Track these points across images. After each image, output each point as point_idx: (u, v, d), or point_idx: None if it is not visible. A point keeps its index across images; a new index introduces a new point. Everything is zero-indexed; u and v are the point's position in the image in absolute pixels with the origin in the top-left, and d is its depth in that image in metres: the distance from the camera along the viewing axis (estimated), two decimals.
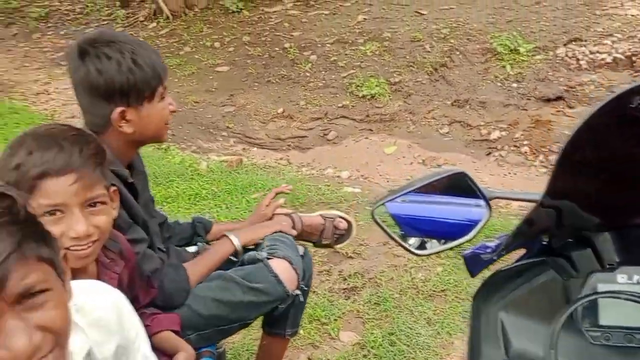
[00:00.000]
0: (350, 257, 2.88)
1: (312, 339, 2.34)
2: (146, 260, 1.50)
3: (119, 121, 1.47)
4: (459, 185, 1.01)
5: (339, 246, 2.11)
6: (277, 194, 2.01)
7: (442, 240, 1.06)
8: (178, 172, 3.70)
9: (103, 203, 1.19)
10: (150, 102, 1.51)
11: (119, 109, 1.46)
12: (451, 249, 0.97)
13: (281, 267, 1.65)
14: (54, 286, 0.82)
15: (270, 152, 4.42)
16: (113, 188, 1.27)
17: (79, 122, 4.23)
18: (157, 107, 1.53)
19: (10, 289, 0.76)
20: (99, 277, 1.24)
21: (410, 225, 1.02)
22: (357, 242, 2.95)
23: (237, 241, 1.74)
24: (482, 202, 1.01)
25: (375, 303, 2.53)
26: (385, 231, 0.94)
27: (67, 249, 1.13)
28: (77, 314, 0.93)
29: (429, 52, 5.19)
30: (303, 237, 1.99)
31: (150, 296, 1.46)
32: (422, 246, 1.07)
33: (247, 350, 2.29)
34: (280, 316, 1.77)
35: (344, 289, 2.66)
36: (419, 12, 5.93)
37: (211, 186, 3.56)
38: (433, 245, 1.07)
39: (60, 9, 8.23)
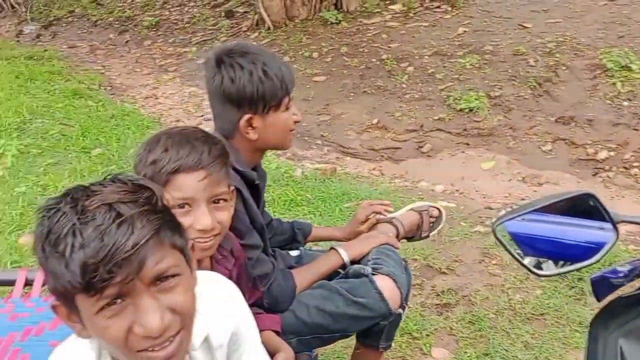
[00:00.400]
0: (444, 273, 2.83)
1: (403, 352, 2.32)
2: (258, 265, 1.56)
3: (246, 127, 1.57)
4: (582, 207, 0.97)
5: (432, 234, 2.10)
6: (372, 213, 2.01)
7: (560, 262, 1.02)
8: (274, 178, 3.79)
9: (225, 200, 1.28)
10: (276, 111, 1.59)
11: (246, 116, 1.55)
12: (575, 270, 0.93)
13: (385, 285, 1.66)
14: (184, 272, 0.89)
15: (364, 162, 4.43)
16: (231, 188, 1.34)
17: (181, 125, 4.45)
18: (282, 116, 1.61)
19: (148, 271, 0.83)
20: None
21: (528, 245, 0.99)
22: (452, 258, 2.90)
23: (346, 256, 1.78)
24: (607, 224, 0.96)
25: (469, 322, 2.46)
26: (506, 249, 0.92)
27: (192, 240, 1.20)
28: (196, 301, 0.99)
29: (532, 66, 5.01)
30: (404, 237, 2.00)
31: (255, 297, 1.51)
32: (537, 266, 1.03)
33: (337, 357, 2.30)
34: (377, 329, 1.77)
35: (437, 304, 2.62)
36: (522, 25, 5.75)
37: (305, 193, 3.63)
38: (549, 267, 1.03)
39: (169, 19, 8.71)
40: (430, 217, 2.05)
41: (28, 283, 2.08)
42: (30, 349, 1.82)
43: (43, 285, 2.08)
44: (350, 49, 6.01)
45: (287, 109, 1.62)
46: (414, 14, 6.46)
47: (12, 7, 10.24)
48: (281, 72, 1.59)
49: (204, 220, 1.23)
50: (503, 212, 1.05)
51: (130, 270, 0.81)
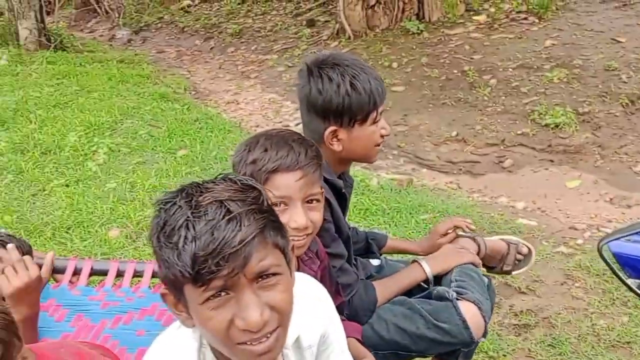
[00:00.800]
0: (523, 292, 2.74)
1: None
2: (342, 274, 1.57)
3: (330, 139, 1.58)
4: None
5: (515, 273, 2.03)
6: (455, 227, 1.97)
7: None
8: None
9: (318, 201, 1.32)
10: (362, 125, 1.59)
11: (331, 128, 1.57)
12: None
13: (470, 312, 1.62)
14: (284, 272, 0.92)
15: (441, 174, 4.37)
16: (322, 189, 1.37)
17: (260, 131, 4.52)
18: (368, 130, 1.61)
19: (251, 267, 0.87)
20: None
21: (632, 266, 0.95)
22: (532, 278, 2.80)
23: (429, 270, 1.75)
24: None
25: (549, 345, 2.37)
26: (612, 270, 0.88)
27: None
28: None
29: (625, 82, 4.78)
30: (483, 262, 1.94)
31: (337, 302, 1.52)
32: None
33: None
34: (456, 351, 1.74)
35: (515, 324, 2.54)
36: (615, 40, 5.49)
37: (381, 203, 3.62)
38: None
39: (252, 27, 8.95)
40: (518, 253, 1.97)
41: (119, 274, 2.19)
42: (119, 337, 1.92)
43: (133, 276, 2.19)
44: (431, 60, 5.96)
45: (374, 122, 1.61)
46: (499, 25, 6.32)
47: (107, 12, 10.84)
48: (370, 86, 1.57)
49: (300, 219, 1.27)
50: (609, 231, 1.01)
51: (235, 265, 0.85)
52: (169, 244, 0.86)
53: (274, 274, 0.90)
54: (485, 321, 1.66)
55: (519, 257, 1.97)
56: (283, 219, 1.24)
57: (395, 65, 6.08)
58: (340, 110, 1.55)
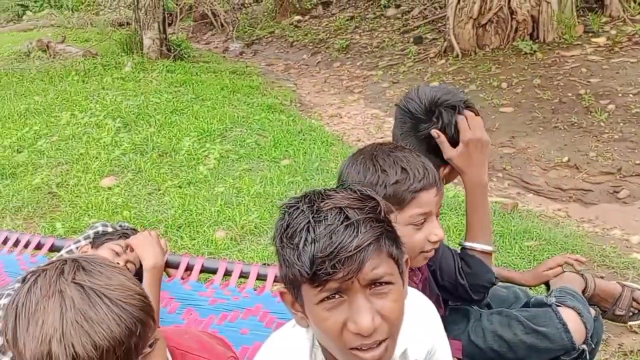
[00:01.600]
0: (635, 332, 2.56)
1: None
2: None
3: (444, 177, 1.63)
4: None
5: (632, 323, 1.90)
6: (564, 263, 1.90)
7: None
8: (450, 206, 3.75)
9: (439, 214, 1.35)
10: None
11: (447, 169, 1.62)
12: None
13: (570, 317, 1.59)
14: (397, 281, 0.94)
15: (548, 201, 4.19)
16: None
17: (361, 146, 4.57)
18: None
19: (365, 273, 0.90)
20: None
21: None
22: None
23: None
24: None
25: None
26: None
27: (425, 251, 1.28)
28: None
29: None
30: (592, 302, 1.85)
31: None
32: None
33: None
34: None
35: None
36: None
37: None
38: None
39: (359, 42, 9.07)
40: (635, 300, 1.86)
41: (227, 273, 2.31)
42: (224, 333, 2.01)
43: (239, 277, 2.29)
44: (543, 81, 5.74)
45: None
46: (620, 48, 5.98)
47: (222, 26, 11.41)
48: None
49: (440, 231, 1.33)
50: None
51: (350, 269, 0.89)
52: (291, 244, 0.92)
53: (387, 283, 0.93)
54: (586, 327, 1.60)
55: (637, 305, 1.85)
56: (422, 233, 1.32)
57: (504, 85, 5.92)
58: None
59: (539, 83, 5.74)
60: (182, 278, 2.32)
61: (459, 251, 1.66)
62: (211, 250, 3.27)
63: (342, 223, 0.90)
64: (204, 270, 2.33)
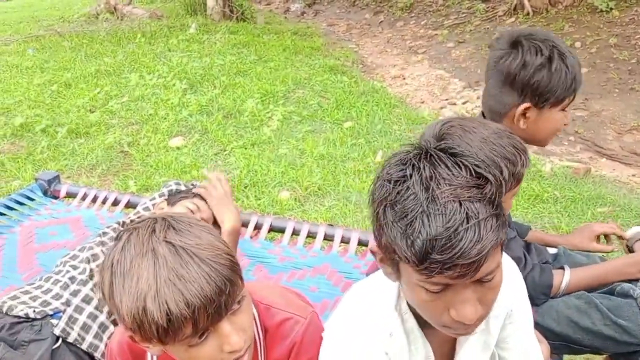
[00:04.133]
0: None
1: None
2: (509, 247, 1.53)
3: (520, 116, 1.52)
4: None
5: None
6: (614, 235, 1.82)
7: None
8: None
9: None
10: (553, 108, 1.51)
11: (525, 105, 1.50)
12: None
13: None
14: (500, 264, 0.92)
15: (622, 166, 4.01)
16: None
17: (425, 108, 4.48)
18: (557, 115, 1.53)
19: (480, 274, 0.86)
20: None
21: None
22: None
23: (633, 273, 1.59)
24: None
25: None
26: None
27: None
28: None
29: None
30: None
31: None
32: None
33: None
34: (636, 353, 1.61)
35: None
36: None
37: (554, 190, 3.42)
38: None
39: (424, 1, 8.80)
40: None
41: (294, 233, 2.34)
42: None
43: (307, 237, 2.32)
44: (620, 41, 5.42)
45: (564, 108, 1.54)
46: None
47: None
48: (575, 70, 1.50)
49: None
50: None
51: (466, 271, 0.84)
52: (399, 226, 0.85)
53: (493, 274, 0.89)
54: None
55: None
56: None
57: (578, 45, 5.63)
58: (541, 88, 1.48)
59: (615, 42, 5.42)
60: (251, 236, 2.38)
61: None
62: (276, 210, 3.33)
63: (462, 224, 0.82)
64: (272, 229, 2.38)
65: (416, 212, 0.84)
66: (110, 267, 0.94)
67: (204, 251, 0.92)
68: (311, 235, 2.32)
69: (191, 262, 0.90)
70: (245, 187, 3.61)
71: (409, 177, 0.87)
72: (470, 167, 0.87)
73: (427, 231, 0.82)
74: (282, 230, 2.35)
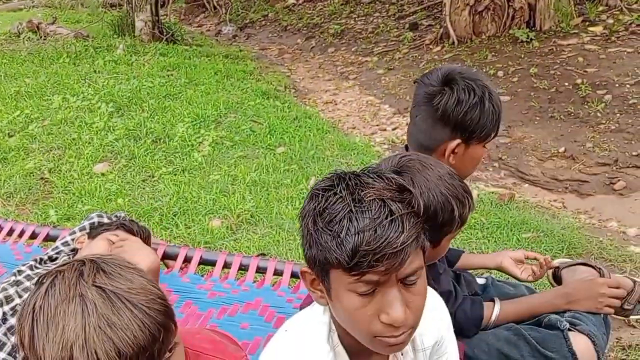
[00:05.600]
0: (633, 326, 2.57)
1: None
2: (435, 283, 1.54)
3: (450, 152, 1.56)
4: None
5: (635, 317, 1.89)
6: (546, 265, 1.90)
7: None
8: None
9: None
10: (479, 143, 1.57)
11: (456, 141, 1.54)
12: None
13: (582, 345, 1.53)
14: (423, 273, 0.96)
15: (544, 191, 4.19)
16: None
17: (356, 133, 4.51)
18: (481, 150, 1.60)
19: (404, 269, 0.91)
20: None
21: None
22: None
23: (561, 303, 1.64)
24: None
25: None
26: None
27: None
28: None
29: None
30: None
31: None
32: None
33: None
34: None
35: (622, 359, 2.39)
36: None
37: (480, 216, 3.52)
38: None
39: (354, 28, 8.99)
40: None
41: (225, 266, 2.28)
42: (224, 327, 1.98)
43: (238, 269, 2.26)
44: (540, 70, 5.72)
45: (486, 143, 1.61)
46: (617, 38, 5.95)
47: (215, 8, 11.29)
48: (500, 109, 1.58)
49: None
50: None
51: (393, 264, 0.89)
52: (329, 230, 0.91)
53: (417, 276, 0.94)
54: (598, 356, 1.57)
55: None
56: None
57: (500, 74, 5.90)
58: (472, 125, 1.52)
59: (536, 72, 5.72)
60: (181, 269, 2.29)
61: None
62: (207, 239, 3.24)
63: (387, 217, 0.89)
64: (202, 262, 2.31)
65: (344, 213, 0.90)
66: (32, 313, 0.87)
67: (136, 296, 0.87)
68: (243, 268, 2.27)
69: (123, 308, 0.85)
70: (175, 215, 3.50)
71: (336, 186, 0.94)
72: (392, 179, 0.95)
73: (355, 227, 0.89)
74: (212, 263, 2.28)
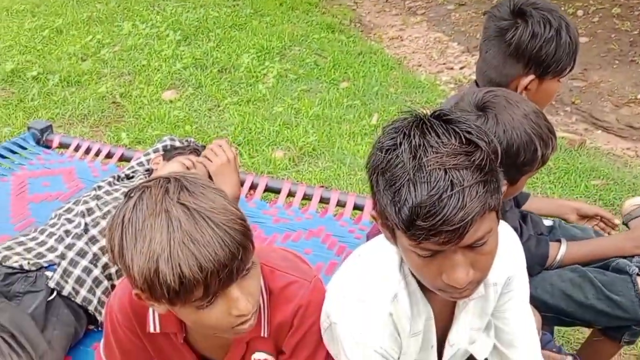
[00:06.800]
0: None
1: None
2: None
3: (522, 87, 1.51)
4: None
5: None
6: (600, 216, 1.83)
7: None
8: None
9: None
10: (553, 79, 1.51)
11: (530, 77, 1.49)
12: None
13: None
14: (494, 230, 0.92)
15: (617, 139, 4.01)
16: None
17: (422, 71, 4.41)
18: (555, 85, 1.54)
19: (466, 240, 0.88)
20: None
21: None
22: None
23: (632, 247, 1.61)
24: None
25: None
26: None
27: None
28: None
29: None
30: None
31: None
32: None
33: (562, 336, 2.22)
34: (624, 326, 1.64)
35: None
36: None
37: (548, 161, 3.43)
38: None
39: None
40: None
41: (290, 194, 2.34)
42: None
43: (302, 199, 2.31)
44: (623, 11, 5.36)
45: (560, 79, 1.54)
46: None
47: None
48: (577, 41, 1.50)
49: None
50: None
51: (451, 237, 0.85)
52: (388, 194, 0.88)
53: (484, 239, 0.90)
54: None
55: None
56: None
57: (580, 13, 5.56)
58: (548, 59, 1.46)
59: (619, 12, 5.35)
60: (246, 196, 2.36)
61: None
62: (270, 169, 3.31)
63: (447, 191, 0.83)
64: (267, 189, 2.37)
65: (403, 180, 0.86)
66: (121, 225, 0.92)
67: (218, 215, 0.91)
68: (307, 198, 2.32)
69: (205, 226, 0.89)
70: (240, 145, 3.58)
71: (398, 146, 0.89)
72: (461, 134, 0.88)
73: (412, 199, 0.85)
74: (277, 191, 2.34)
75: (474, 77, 5.20)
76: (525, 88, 1.52)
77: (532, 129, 1.25)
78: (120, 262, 0.93)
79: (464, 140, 0.87)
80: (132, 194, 0.95)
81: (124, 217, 0.92)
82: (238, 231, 0.92)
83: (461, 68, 5.38)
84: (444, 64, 5.56)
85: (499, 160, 0.91)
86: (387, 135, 0.92)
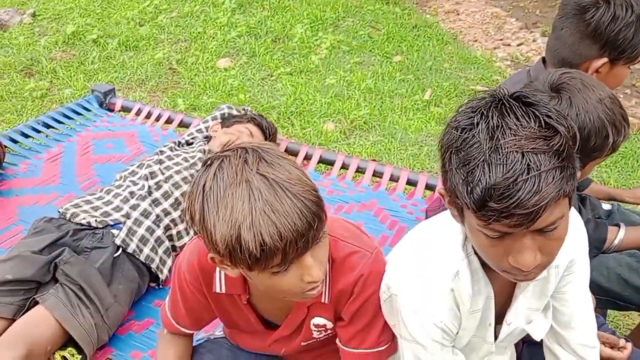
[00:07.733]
0: None
1: None
2: None
3: (594, 69, 1.49)
4: None
5: None
6: None
7: None
8: None
9: None
10: (624, 65, 1.50)
11: (603, 60, 1.47)
12: None
13: None
14: (565, 215, 0.91)
15: None
16: None
17: (478, 47, 4.30)
18: (625, 72, 1.52)
19: (537, 224, 0.87)
20: None
21: None
22: None
23: None
24: None
25: None
26: None
27: None
28: None
29: None
30: None
31: None
32: None
33: (611, 321, 2.20)
34: None
35: None
36: None
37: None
38: None
39: None
40: None
41: (343, 166, 2.36)
42: None
43: (355, 171, 2.34)
44: None
45: (631, 66, 1.53)
46: None
47: None
48: None
49: None
50: None
51: (522, 221, 0.85)
52: (461, 173, 0.88)
53: (555, 225, 0.89)
54: None
55: None
56: None
57: None
58: (625, 44, 1.44)
59: None
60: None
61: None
62: (321, 141, 3.34)
63: (523, 174, 0.82)
64: (321, 160, 2.40)
65: (478, 161, 0.85)
66: (202, 192, 0.95)
67: (295, 186, 0.94)
68: (360, 171, 2.34)
69: (284, 197, 0.92)
70: (292, 115, 3.61)
71: (475, 126, 0.88)
72: (541, 118, 0.86)
73: (486, 180, 0.84)
74: (331, 163, 2.37)
75: (531, 54, 5.07)
76: (597, 71, 1.50)
77: (605, 115, 1.24)
78: (201, 228, 0.96)
79: (543, 124, 0.86)
80: (211, 163, 0.98)
81: (204, 185, 0.95)
82: (313, 202, 0.95)
83: (518, 45, 5.24)
84: (500, 40, 5.42)
85: (576, 147, 0.89)
86: (463, 114, 0.91)
